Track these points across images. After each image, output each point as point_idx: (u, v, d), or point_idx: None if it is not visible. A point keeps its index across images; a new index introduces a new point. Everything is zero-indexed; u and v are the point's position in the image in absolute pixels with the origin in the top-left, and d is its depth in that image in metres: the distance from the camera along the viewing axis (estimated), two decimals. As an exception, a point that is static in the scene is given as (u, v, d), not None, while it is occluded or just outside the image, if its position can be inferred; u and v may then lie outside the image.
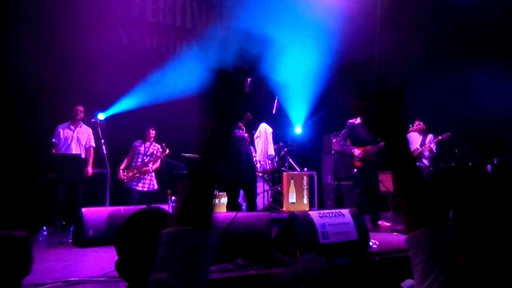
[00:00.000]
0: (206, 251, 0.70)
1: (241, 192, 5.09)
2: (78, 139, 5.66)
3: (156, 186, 6.14)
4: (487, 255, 0.72)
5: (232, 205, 4.68)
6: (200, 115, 0.78)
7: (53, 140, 5.59)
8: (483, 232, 0.72)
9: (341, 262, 0.62)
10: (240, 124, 4.87)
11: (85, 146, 5.73)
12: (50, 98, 5.96)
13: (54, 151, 5.54)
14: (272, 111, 6.87)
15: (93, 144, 5.78)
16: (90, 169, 5.67)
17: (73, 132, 5.66)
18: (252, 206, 4.78)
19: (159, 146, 6.16)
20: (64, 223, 5.02)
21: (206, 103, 0.77)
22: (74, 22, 6.48)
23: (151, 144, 6.13)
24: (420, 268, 0.71)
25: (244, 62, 0.79)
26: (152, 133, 6.12)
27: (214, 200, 0.74)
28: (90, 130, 5.81)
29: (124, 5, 7.33)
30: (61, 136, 5.60)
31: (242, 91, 0.79)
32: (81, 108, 5.72)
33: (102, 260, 3.28)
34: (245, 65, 0.79)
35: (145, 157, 6.02)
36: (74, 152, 5.55)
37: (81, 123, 5.76)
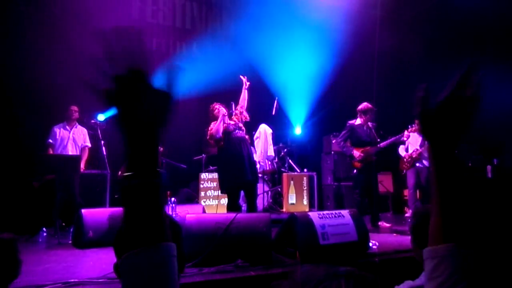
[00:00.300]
0: (168, 265, 0.64)
1: (241, 193, 5.08)
2: (74, 139, 5.66)
3: None
4: (487, 254, 0.71)
5: (233, 206, 4.67)
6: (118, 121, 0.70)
7: (49, 140, 5.57)
8: (483, 233, 0.72)
9: (341, 271, 0.62)
10: (240, 124, 4.87)
11: (81, 146, 5.72)
12: (49, 98, 5.96)
13: (50, 152, 5.53)
14: (272, 112, 6.88)
15: (89, 144, 5.78)
16: (82, 165, 5.63)
17: (69, 132, 5.65)
18: (252, 207, 4.77)
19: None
20: (64, 224, 5.01)
21: (115, 115, 0.68)
22: (74, 22, 6.47)
23: None
24: (440, 281, 0.71)
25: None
26: None
27: (160, 208, 0.68)
28: (85, 130, 5.81)
29: (123, 6, 7.33)
30: (57, 137, 5.59)
31: (142, 95, 0.68)
32: (75, 108, 5.71)
33: (102, 261, 3.28)
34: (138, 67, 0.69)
35: None
36: (70, 152, 5.55)
37: (76, 123, 5.74)
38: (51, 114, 5.85)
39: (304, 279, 0.60)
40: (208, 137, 4.81)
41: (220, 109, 4.77)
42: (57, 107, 5.79)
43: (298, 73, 8.20)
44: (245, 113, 4.93)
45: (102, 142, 5.68)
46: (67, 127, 5.67)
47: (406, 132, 5.79)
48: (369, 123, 5.60)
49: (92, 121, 5.88)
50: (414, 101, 0.77)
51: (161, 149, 6.11)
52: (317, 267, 0.62)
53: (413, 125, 6.08)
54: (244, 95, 4.97)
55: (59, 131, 5.62)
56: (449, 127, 0.77)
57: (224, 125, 4.72)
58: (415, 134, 6.16)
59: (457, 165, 0.78)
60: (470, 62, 0.76)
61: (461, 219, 0.75)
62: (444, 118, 0.77)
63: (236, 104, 4.97)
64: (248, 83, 4.98)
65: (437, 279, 0.72)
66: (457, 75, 0.76)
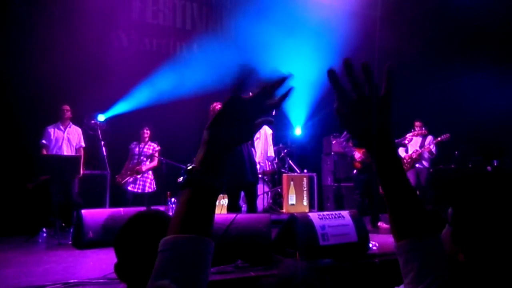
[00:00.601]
0: (207, 259, 0.70)
1: (241, 193, 5.08)
2: (69, 139, 5.62)
3: (152, 188, 6.11)
4: (486, 253, 0.71)
5: (233, 207, 4.67)
6: (206, 129, 0.75)
7: (43, 141, 5.49)
8: (483, 230, 0.72)
9: (325, 263, 0.62)
10: None
11: (75, 146, 5.70)
12: (50, 99, 5.96)
13: (44, 152, 5.48)
14: (272, 112, 6.87)
15: (83, 144, 5.75)
16: (81, 170, 5.58)
17: (64, 132, 5.60)
18: (252, 208, 4.76)
19: (155, 145, 6.16)
20: (63, 224, 5.01)
21: (216, 122, 0.74)
22: (74, 24, 6.48)
23: (146, 144, 6.12)
24: (412, 276, 0.72)
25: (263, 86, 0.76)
26: (147, 133, 6.12)
27: (214, 212, 0.75)
28: (79, 130, 5.77)
29: (124, 7, 7.34)
30: (52, 137, 5.53)
31: (252, 118, 0.76)
32: (67, 107, 5.66)
33: (102, 262, 3.28)
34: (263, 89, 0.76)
35: (141, 157, 6.02)
36: (65, 153, 5.51)
37: (70, 123, 5.70)
38: (44, 114, 5.81)
39: (287, 276, 0.60)
40: None
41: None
42: (49, 107, 5.76)
43: (298, 74, 8.19)
44: None
45: (102, 142, 5.67)
46: (61, 127, 5.62)
47: (408, 136, 5.78)
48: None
49: (92, 121, 5.87)
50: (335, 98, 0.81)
51: (159, 147, 6.13)
52: (299, 262, 0.62)
53: (416, 129, 6.09)
54: None
55: (53, 132, 5.56)
56: (361, 127, 0.78)
57: None
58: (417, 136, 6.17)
59: (393, 159, 0.78)
60: (361, 63, 0.79)
61: (411, 212, 0.75)
62: (353, 118, 0.79)
63: None
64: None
65: (410, 274, 0.73)
66: (348, 77, 0.80)
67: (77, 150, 5.72)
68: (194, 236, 0.69)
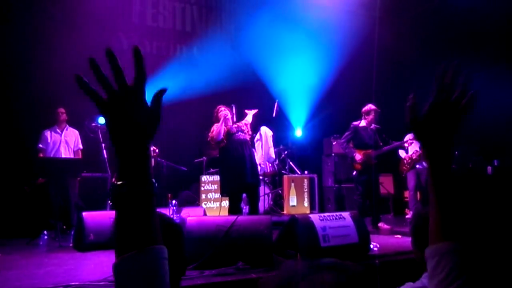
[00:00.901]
0: (158, 268, 0.66)
1: (243, 196, 5.07)
2: (67, 142, 5.60)
3: None
4: (485, 254, 0.72)
5: (234, 209, 4.66)
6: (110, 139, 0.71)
7: (40, 145, 5.46)
8: (481, 232, 0.73)
9: (323, 263, 0.62)
10: (244, 127, 4.88)
11: (73, 148, 5.70)
12: (49, 102, 5.96)
13: (43, 156, 5.47)
14: (272, 114, 6.89)
15: (81, 146, 5.75)
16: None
17: (61, 135, 5.59)
18: (254, 210, 4.75)
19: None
20: (64, 227, 5.01)
21: (111, 121, 0.69)
22: (75, 26, 6.50)
23: None
24: (441, 277, 0.74)
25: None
26: None
27: (152, 216, 0.69)
28: (77, 132, 5.76)
29: (124, 9, 7.36)
30: (49, 141, 5.51)
31: (136, 107, 0.70)
32: (62, 110, 5.64)
33: (103, 264, 3.28)
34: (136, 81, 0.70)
35: None
36: (63, 155, 5.49)
37: (67, 125, 5.70)
38: (43, 117, 5.80)
39: (289, 274, 0.60)
40: (209, 139, 4.82)
41: (223, 112, 4.78)
42: (49, 110, 5.75)
43: (298, 75, 8.21)
44: (249, 128, 4.97)
45: (103, 145, 5.67)
46: (57, 130, 5.61)
47: (409, 139, 5.76)
48: (373, 126, 5.58)
49: (93, 124, 5.87)
50: (405, 111, 0.82)
51: (157, 151, 6.10)
52: (301, 262, 0.62)
53: None
54: (250, 118, 5.08)
55: (50, 135, 5.54)
56: (439, 133, 0.81)
57: (226, 127, 4.72)
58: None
59: (451, 166, 0.81)
60: (445, 64, 0.78)
61: (458, 217, 0.78)
62: (432, 125, 0.81)
63: (240, 116, 5.05)
64: (256, 111, 5.16)
65: (439, 276, 0.74)
66: (435, 79, 0.81)
67: (75, 152, 5.72)
68: (133, 253, 0.64)
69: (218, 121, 4.74)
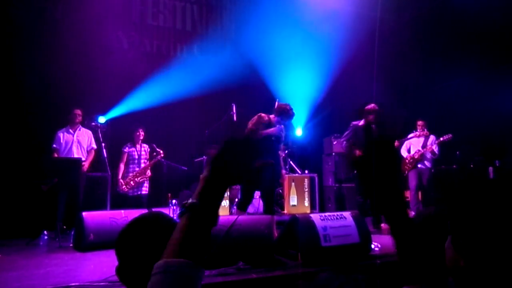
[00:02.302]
0: (196, 284, 0.72)
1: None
2: (79, 141, 5.64)
3: (145, 191, 6.01)
4: (486, 258, 0.71)
5: (243, 203, 4.82)
6: (205, 168, 0.81)
7: (54, 145, 5.54)
8: (482, 235, 0.72)
9: (360, 278, 0.64)
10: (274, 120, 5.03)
11: (86, 148, 5.72)
12: (51, 101, 5.97)
13: (56, 156, 5.51)
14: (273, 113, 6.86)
15: (95, 146, 5.76)
16: (86, 165, 5.59)
17: (73, 135, 5.63)
18: (270, 209, 4.82)
19: (147, 146, 6.13)
20: (65, 227, 5.00)
21: (216, 162, 0.80)
22: (75, 26, 6.49)
23: (141, 147, 6.08)
24: None
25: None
26: (142, 134, 6.08)
27: (206, 242, 0.78)
28: (90, 133, 5.79)
29: (124, 9, 7.34)
30: (62, 141, 5.57)
31: (247, 161, 0.81)
32: (79, 112, 5.69)
33: (103, 264, 3.27)
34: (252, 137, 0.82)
35: (141, 161, 6.00)
36: (75, 155, 5.52)
37: (80, 126, 5.73)
38: (55, 118, 5.83)
39: (325, 284, 0.61)
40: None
41: (260, 120, 4.97)
42: (63, 110, 5.77)
43: (299, 75, 8.20)
44: None
45: (103, 144, 5.67)
46: (70, 130, 5.65)
47: (413, 140, 5.74)
48: (373, 125, 5.57)
49: (93, 123, 5.86)
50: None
51: (162, 153, 6.08)
52: (335, 275, 0.63)
53: (418, 128, 6.07)
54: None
55: (63, 135, 5.60)
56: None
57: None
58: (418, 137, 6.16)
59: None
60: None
61: (423, 262, 0.86)
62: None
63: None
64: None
65: None
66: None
67: (88, 152, 5.74)
68: (184, 261, 0.71)
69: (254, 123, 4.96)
